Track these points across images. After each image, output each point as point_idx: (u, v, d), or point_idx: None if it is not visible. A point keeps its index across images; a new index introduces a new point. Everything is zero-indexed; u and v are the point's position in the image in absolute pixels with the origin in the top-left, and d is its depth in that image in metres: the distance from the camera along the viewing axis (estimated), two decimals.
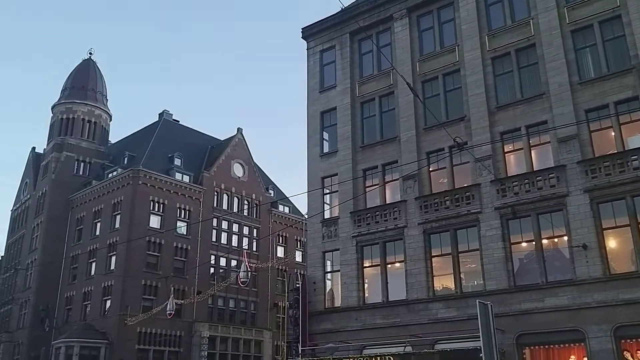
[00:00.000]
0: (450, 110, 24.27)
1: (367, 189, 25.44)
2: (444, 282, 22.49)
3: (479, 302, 13.08)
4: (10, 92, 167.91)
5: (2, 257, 57.87)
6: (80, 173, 52.61)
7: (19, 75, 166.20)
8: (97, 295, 45.21)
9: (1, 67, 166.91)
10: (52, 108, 55.79)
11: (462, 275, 21.97)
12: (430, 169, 24.05)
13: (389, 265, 23.90)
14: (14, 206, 59.51)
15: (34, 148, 58.59)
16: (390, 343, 21.55)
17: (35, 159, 56.98)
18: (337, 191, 26.34)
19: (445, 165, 23.59)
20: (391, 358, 20.47)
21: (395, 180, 24.85)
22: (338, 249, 25.29)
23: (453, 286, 21.92)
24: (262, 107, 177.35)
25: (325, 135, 28.23)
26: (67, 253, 49.36)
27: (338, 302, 24.79)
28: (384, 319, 22.84)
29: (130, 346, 41.78)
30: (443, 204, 22.81)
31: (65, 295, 48.17)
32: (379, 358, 20.64)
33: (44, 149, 55.79)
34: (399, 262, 23.60)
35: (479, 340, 12.29)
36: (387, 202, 24.78)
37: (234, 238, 51.58)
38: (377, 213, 24.56)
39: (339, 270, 25.02)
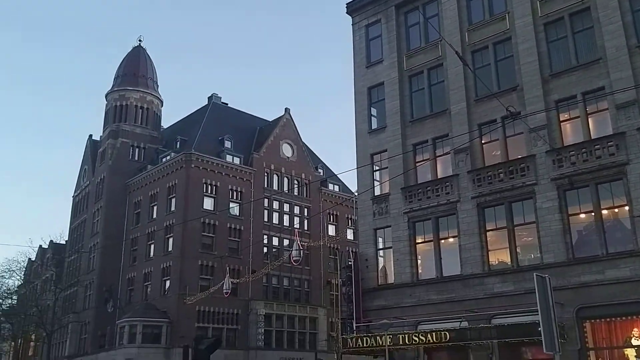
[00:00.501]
0: (502, 80, 23.57)
1: (418, 164, 25.12)
2: (499, 256, 22.10)
3: (537, 275, 12.76)
4: (67, 82, 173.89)
5: (66, 241, 60.48)
6: (136, 158, 54.19)
7: (74, 63, 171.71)
8: (156, 276, 46.78)
9: (57, 54, 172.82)
10: (106, 96, 57.48)
11: (518, 249, 21.53)
12: (483, 141, 23.50)
13: (442, 241, 23.64)
14: (75, 192, 62.00)
15: (90, 136, 60.72)
16: (445, 318, 21.42)
17: (92, 146, 59.06)
18: (386, 167, 26.13)
19: (498, 137, 23.00)
20: (447, 333, 20.34)
21: (446, 154, 24.42)
22: (389, 226, 25.17)
23: (509, 260, 21.51)
24: (309, 87, 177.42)
25: (374, 111, 27.97)
26: (127, 236, 51.17)
27: (391, 279, 24.74)
28: (438, 294, 22.69)
29: (190, 324, 43.15)
30: (497, 177, 22.30)
31: (127, 276, 50.04)
32: (434, 334, 20.54)
33: (101, 136, 57.69)
34: (453, 237, 23.29)
35: (537, 315, 12.04)
36: (439, 176, 24.40)
37: (285, 217, 52.18)
38: (429, 188, 24.26)
39: (390, 247, 24.93)
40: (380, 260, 25.63)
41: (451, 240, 23.38)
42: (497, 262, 22.05)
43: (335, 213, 54.89)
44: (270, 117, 57.89)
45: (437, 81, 25.85)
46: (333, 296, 51.56)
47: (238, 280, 42.64)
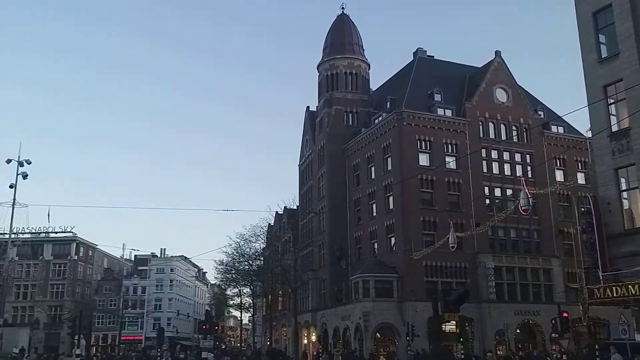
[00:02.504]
0: None
1: None
2: None
3: None
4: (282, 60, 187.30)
5: (297, 206, 65.86)
6: (350, 123, 56.34)
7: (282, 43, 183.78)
8: (381, 234, 48.50)
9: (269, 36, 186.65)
10: (318, 67, 60.37)
11: None
12: None
13: None
14: (300, 161, 66.94)
15: (308, 107, 64.63)
16: None
17: (310, 117, 62.89)
18: (624, 99, 23.12)
19: None
20: None
21: None
22: (633, 164, 22.37)
23: None
24: (518, 27, 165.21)
25: (602, 38, 24.85)
26: (350, 197, 53.80)
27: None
28: None
29: (418, 279, 44.07)
30: None
31: (354, 235, 52.77)
32: None
33: (317, 106, 61.08)
34: None
35: None
36: None
37: (506, 167, 49.80)
38: None
39: (637, 187, 22.20)
40: (625, 202, 23.02)
41: None
42: None
43: (562, 157, 50.75)
44: (479, 64, 55.33)
45: None
46: (567, 245, 48.27)
47: (463, 234, 42.15)
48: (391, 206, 47.83)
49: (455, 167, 47.76)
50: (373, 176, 50.89)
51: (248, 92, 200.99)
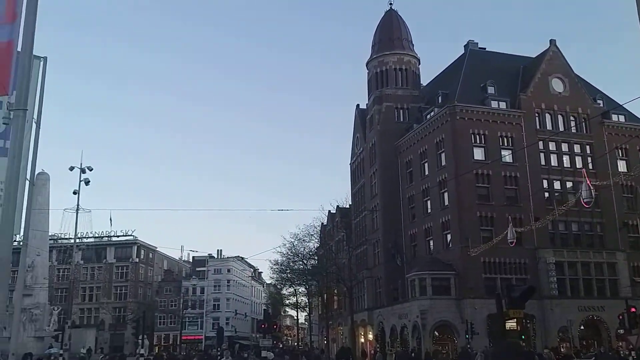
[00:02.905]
0: None
1: None
2: None
3: None
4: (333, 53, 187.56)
5: (349, 205, 65.83)
6: (401, 120, 55.82)
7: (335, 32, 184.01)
8: (437, 230, 47.84)
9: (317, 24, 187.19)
10: (367, 64, 60.12)
11: None
12: None
13: None
14: (351, 160, 66.87)
15: (358, 105, 64.50)
16: None
17: (360, 114, 62.71)
18: None
19: None
20: None
21: None
22: None
23: None
24: (572, 15, 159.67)
25: None
26: (403, 194, 53.31)
27: None
28: None
29: (477, 275, 43.27)
30: None
31: (409, 232, 52.26)
32: None
33: (367, 104, 60.84)
34: None
35: None
36: None
37: (565, 158, 48.29)
38: None
39: None
40: None
41: None
42: None
43: (624, 147, 48.73)
44: (533, 54, 53.79)
45: None
46: (632, 238, 46.40)
47: (522, 229, 41.11)
48: (446, 202, 47.13)
49: (511, 161, 46.62)
50: (427, 172, 50.28)
51: (292, 111, 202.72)
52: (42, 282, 46.09)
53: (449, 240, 46.71)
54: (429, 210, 49.44)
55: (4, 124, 5.83)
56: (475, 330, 39.57)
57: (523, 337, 41.39)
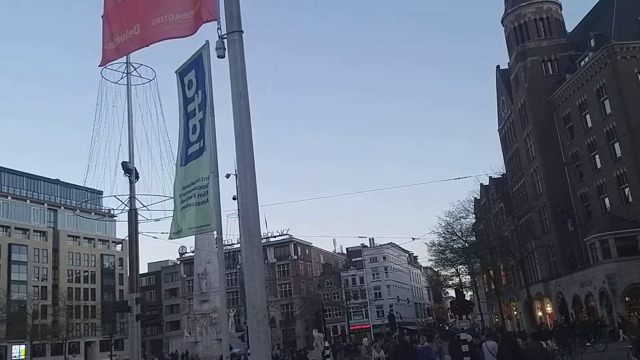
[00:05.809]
0: None
1: None
2: None
3: None
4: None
5: (503, 174, 61.97)
6: (550, 72, 51.28)
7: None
8: (612, 186, 43.09)
9: None
10: (502, 21, 56.03)
11: None
12: None
13: None
14: (499, 126, 62.92)
15: (498, 66, 60.47)
16: None
17: (502, 76, 58.71)
18: None
19: None
20: None
21: None
22: None
23: None
24: None
25: None
26: (565, 153, 48.82)
27: None
28: None
29: None
30: None
31: (578, 193, 47.70)
32: None
33: (508, 63, 56.73)
34: None
35: None
36: None
37: None
38: None
39: None
40: None
41: None
42: None
43: None
44: None
45: None
46: None
47: None
48: (618, 154, 42.26)
49: None
50: (590, 124, 45.49)
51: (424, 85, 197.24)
52: (216, 287, 48.58)
53: (627, 195, 41.82)
54: (599, 166, 44.67)
55: (218, 57, 5.40)
56: None
57: None
